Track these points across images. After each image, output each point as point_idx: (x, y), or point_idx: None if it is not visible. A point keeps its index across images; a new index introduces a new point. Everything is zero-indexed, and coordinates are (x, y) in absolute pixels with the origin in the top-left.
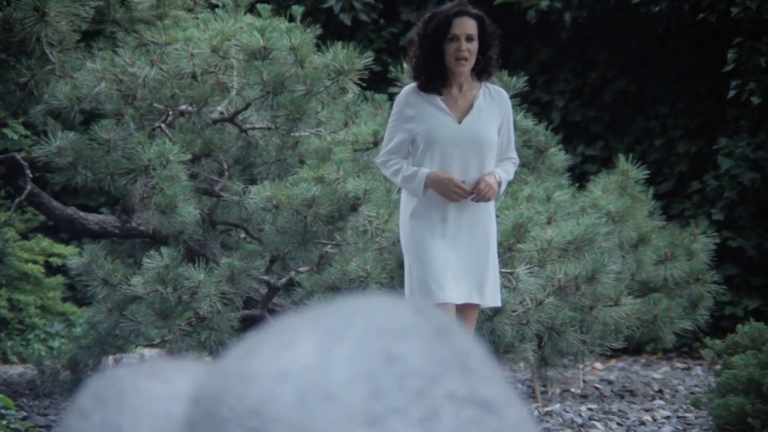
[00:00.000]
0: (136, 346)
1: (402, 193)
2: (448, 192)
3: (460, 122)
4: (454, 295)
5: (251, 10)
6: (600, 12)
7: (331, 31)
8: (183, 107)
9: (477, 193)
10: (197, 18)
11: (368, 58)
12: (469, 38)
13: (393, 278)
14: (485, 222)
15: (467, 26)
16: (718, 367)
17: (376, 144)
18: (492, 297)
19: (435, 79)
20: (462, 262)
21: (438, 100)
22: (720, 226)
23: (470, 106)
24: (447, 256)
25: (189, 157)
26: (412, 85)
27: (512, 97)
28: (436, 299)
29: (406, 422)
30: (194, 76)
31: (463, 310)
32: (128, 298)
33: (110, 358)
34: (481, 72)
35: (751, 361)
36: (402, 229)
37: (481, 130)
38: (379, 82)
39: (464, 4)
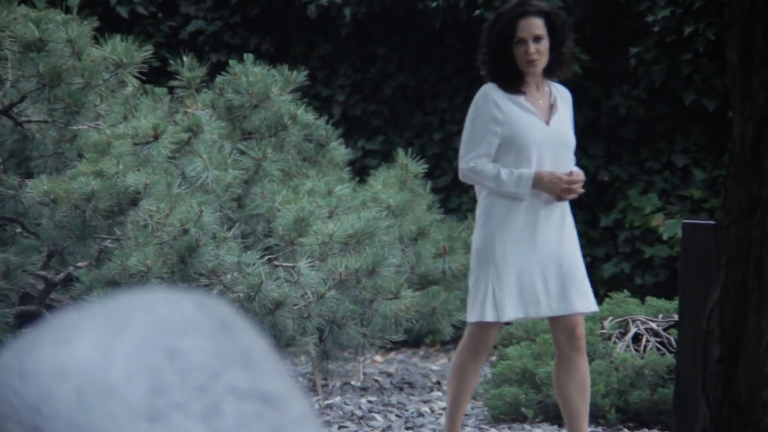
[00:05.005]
0: None
1: (484, 201)
2: (557, 189)
3: (547, 123)
4: (535, 310)
5: (25, 0)
6: (379, 8)
7: (109, 24)
8: None
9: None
10: None
11: (147, 51)
12: (536, 38)
13: (173, 273)
14: (571, 226)
15: (533, 27)
16: (493, 358)
17: (156, 137)
18: (591, 300)
19: (513, 78)
20: (554, 273)
21: (522, 100)
22: None
23: (551, 107)
24: (532, 272)
25: None
26: (491, 84)
27: (293, 91)
28: (500, 317)
29: (188, 417)
30: None
31: (567, 321)
32: None
33: None
34: (549, 70)
35: (525, 352)
36: (483, 240)
37: (566, 130)
38: (158, 76)
39: (528, 1)
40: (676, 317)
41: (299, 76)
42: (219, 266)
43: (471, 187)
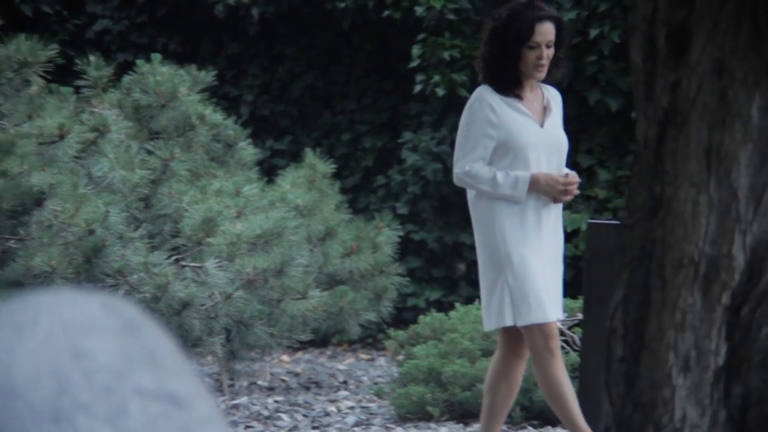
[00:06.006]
0: None
1: (483, 205)
2: (554, 191)
3: (542, 126)
4: (557, 313)
5: None
6: (287, 8)
7: (13, 23)
8: None
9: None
10: None
11: (53, 50)
12: (548, 44)
13: (79, 273)
14: (561, 229)
15: (548, 32)
16: (400, 357)
17: (62, 137)
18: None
19: (511, 81)
20: (553, 278)
21: (517, 103)
22: (404, 220)
23: (544, 109)
24: (545, 274)
25: None
26: (486, 87)
27: (201, 91)
28: (546, 318)
29: (93, 418)
30: None
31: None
32: None
33: None
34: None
35: (431, 351)
36: (493, 243)
37: (560, 132)
38: (64, 75)
39: (541, 4)
40: (580, 316)
41: (207, 76)
42: (125, 266)
43: (379, 188)
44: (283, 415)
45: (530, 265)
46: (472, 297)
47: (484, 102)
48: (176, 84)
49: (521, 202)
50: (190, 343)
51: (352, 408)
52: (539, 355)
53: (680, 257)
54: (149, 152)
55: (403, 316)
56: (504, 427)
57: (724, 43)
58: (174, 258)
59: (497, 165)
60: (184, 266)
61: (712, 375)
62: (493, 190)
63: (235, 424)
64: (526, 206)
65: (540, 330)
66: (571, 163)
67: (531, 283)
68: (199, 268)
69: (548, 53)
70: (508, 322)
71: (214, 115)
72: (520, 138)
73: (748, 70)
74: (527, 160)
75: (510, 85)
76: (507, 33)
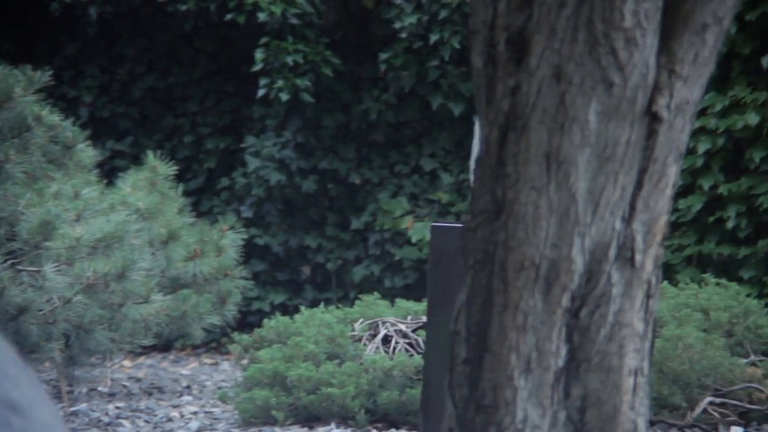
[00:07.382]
0: None
1: None
2: None
3: None
4: None
5: None
6: (126, 8)
7: None
8: None
9: None
10: None
11: None
12: None
13: None
14: None
15: None
16: (245, 361)
17: None
18: None
19: None
20: None
21: None
22: (248, 223)
23: None
24: None
25: None
26: None
27: (37, 92)
28: None
29: None
30: None
31: None
32: None
33: None
34: None
35: (276, 355)
36: None
37: None
38: None
39: None
40: (424, 319)
41: (43, 76)
42: None
43: (222, 190)
44: (125, 422)
45: None
46: (317, 300)
47: None
48: (11, 84)
49: None
50: (27, 349)
51: (195, 413)
52: None
53: (521, 260)
54: None
55: (248, 320)
56: (348, 430)
57: (562, 49)
58: (10, 262)
59: None
60: (20, 270)
61: (553, 376)
62: None
63: (74, 431)
64: None
65: None
66: (414, 167)
67: None
68: (37, 272)
69: None
70: None
71: (51, 116)
72: None
73: (585, 75)
74: None
75: None
76: None
